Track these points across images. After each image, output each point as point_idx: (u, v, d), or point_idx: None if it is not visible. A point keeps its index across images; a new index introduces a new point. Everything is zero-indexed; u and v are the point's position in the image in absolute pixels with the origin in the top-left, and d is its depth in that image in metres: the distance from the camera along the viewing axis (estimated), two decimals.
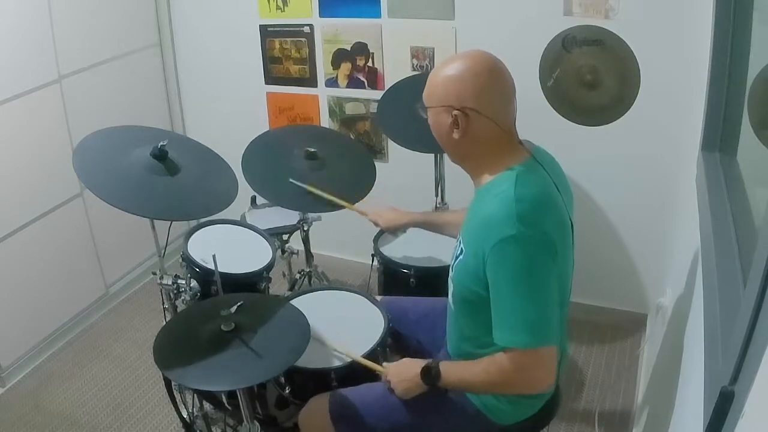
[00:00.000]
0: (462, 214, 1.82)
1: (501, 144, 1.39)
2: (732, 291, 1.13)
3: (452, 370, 1.47)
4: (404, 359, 1.59)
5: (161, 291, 2.03)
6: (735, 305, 1.06)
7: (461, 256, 1.41)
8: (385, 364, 1.63)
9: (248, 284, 2.01)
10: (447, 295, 1.55)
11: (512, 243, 1.27)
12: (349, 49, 2.87)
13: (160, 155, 1.82)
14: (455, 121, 1.37)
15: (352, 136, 2.98)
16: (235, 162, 2.06)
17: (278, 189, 2.10)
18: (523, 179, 1.34)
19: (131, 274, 3.22)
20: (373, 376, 1.65)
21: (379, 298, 1.94)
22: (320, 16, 2.87)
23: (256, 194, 2.33)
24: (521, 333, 1.29)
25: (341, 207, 2.05)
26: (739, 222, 1.37)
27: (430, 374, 1.47)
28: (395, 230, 2.09)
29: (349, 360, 1.68)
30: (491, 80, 1.36)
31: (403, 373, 1.54)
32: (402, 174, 2.84)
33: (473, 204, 1.45)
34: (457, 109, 1.36)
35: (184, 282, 1.96)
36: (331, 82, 2.98)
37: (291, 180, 2.05)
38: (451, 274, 1.48)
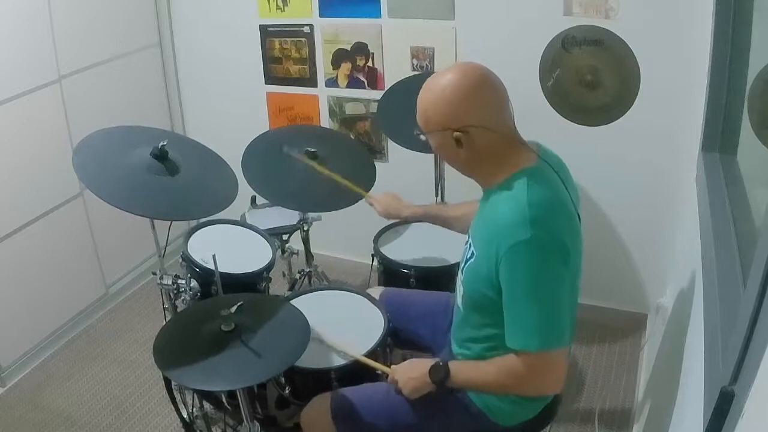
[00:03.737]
0: (465, 208, 1.82)
1: (506, 149, 1.39)
2: (732, 291, 1.13)
3: (461, 370, 1.47)
4: (411, 359, 1.59)
5: (161, 291, 2.03)
6: (735, 305, 1.06)
7: (472, 260, 1.40)
8: (393, 366, 1.62)
9: (248, 284, 2.01)
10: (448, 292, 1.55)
11: (526, 247, 1.27)
12: (349, 49, 2.87)
13: (160, 155, 1.82)
14: (458, 141, 1.36)
15: (352, 136, 2.98)
16: (235, 162, 2.06)
17: (278, 189, 2.10)
18: (535, 183, 1.34)
19: (131, 274, 3.22)
20: (374, 376, 1.64)
21: (381, 289, 1.94)
22: (320, 16, 2.87)
23: (256, 194, 2.33)
24: (534, 336, 1.30)
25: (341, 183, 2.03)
26: (739, 222, 1.37)
27: (439, 372, 1.46)
28: (391, 219, 2.04)
29: (349, 360, 1.68)
30: (482, 93, 1.34)
31: (411, 371, 1.53)
32: (402, 174, 2.84)
33: (483, 207, 1.44)
34: (457, 130, 1.34)
35: (184, 282, 1.96)
36: (331, 82, 2.98)
37: (285, 150, 2.02)
38: (460, 276, 1.48)
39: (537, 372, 1.34)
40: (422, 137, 1.44)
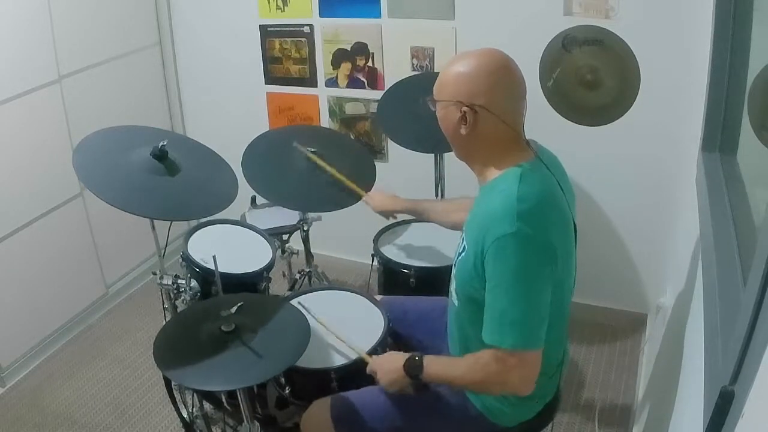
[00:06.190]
0: (456, 203, 1.83)
1: (507, 143, 1.39)
2: (732, 291, 1.13)
3: (435, 364, 1.46)
4: (390, 352, 1.60)
5: (161, 291, 2.03)
6: (735, 305, 1.06)
7: (463, 253, 1.41)
8: (373, 357, 1.63)
9: (248, 284, 2.01)
10: (447, 294, 1.55)
11: (510, 241, 1.26)
12: (349, 49, 2.87)
13: (160, 155, 1.82)
14: (463, 117, 1.37)
15: (352, 136, 2.98)
16: (235, 162, 2.06)
17: (278, 189, 2.10)
18: (528, 178, 1.34)
19: (131, 274, 3.22)
20: (374, 378, 1.64)
21: (379, 298, 1.94)
22: (320, 16, 2.87)
23: (256, 194, 2.33)
24: (508, 333, 1.29)
25: (340, 181, 2.07)
26: (739, 222, 1.36)
27: (413, 367, 1.47)
28: (387, 215, 2.09)
29: (348, 360, 1.68)
30: (503, 79, 1.36)
31: (387, 364, 1.54)
32: (402, 174, 2.84)
33: (477, 201, 1.45)
34: (467, 106, 1.36)
35: (184, 282, 1.96)
36: (331, 82, 2.98)
37: (294, 144, 2.09)
38: (453, 270, 1.48)
39: (508, 370, 1.32)
40: (431, 107, 1.46)
